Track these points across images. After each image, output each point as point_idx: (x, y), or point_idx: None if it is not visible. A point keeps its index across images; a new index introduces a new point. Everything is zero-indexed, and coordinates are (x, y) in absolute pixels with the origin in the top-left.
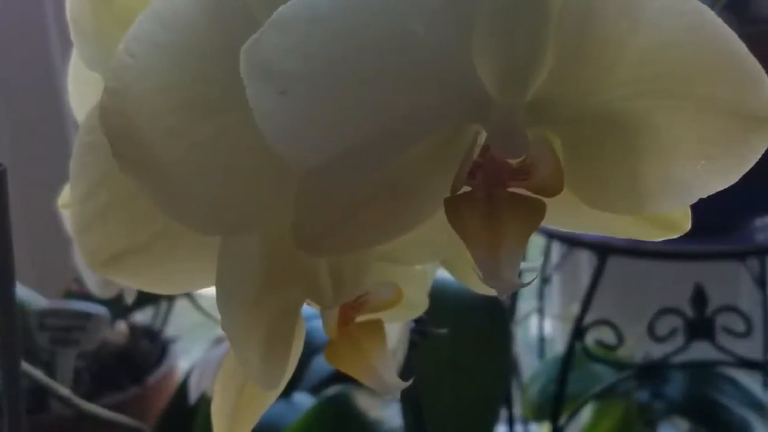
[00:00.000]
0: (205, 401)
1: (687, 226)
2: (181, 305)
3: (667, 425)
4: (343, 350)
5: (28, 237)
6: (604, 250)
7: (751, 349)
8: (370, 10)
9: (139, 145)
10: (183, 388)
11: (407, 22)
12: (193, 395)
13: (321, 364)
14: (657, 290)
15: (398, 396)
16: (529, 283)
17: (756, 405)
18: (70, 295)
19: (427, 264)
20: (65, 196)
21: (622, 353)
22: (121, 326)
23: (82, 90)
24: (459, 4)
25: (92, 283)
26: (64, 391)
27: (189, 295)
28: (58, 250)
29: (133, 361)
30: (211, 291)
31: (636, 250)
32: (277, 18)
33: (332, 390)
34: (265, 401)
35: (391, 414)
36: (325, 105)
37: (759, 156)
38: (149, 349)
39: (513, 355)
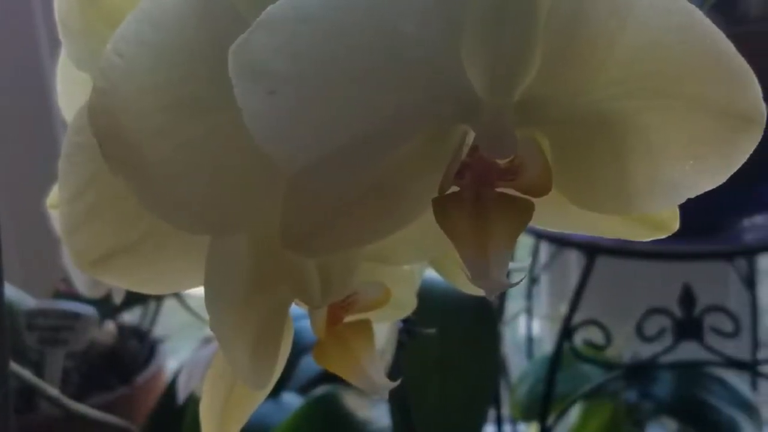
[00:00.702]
0: (193, 401)
1: (675, 226)
2: (170, 305)
3: (656, 425)
4: (331, 350)
5: (17, 237)
6: (592, 250)
7: (739, 349)
8: (359, 10)
9: (128, 144)
10: (171, 388)
11: (396, 21)
12: (182, 395)
13: (309, 364)
14: (645, 290)
15: (386, 396)
16: (517, 283)
17: (744, 405)
18: (58, 295)
19: (415, 264)
20: (54, 196)
21: (611, 353)
22: (110, 326)
23: (70, 90)
24: (448, 4)
25: (81, 283)
26: (53, 391)
27: (177, 295)
28: (46, 250)
29: (121, 361)
30: (199, 291)
31: (624, 250)
32: (266, 18)
33: (320, 390)
34: (253, 401)
35: (379, 414)
36: (313, 105)
37: (747, 156)
38: (137, 349)
39: (501, 355)
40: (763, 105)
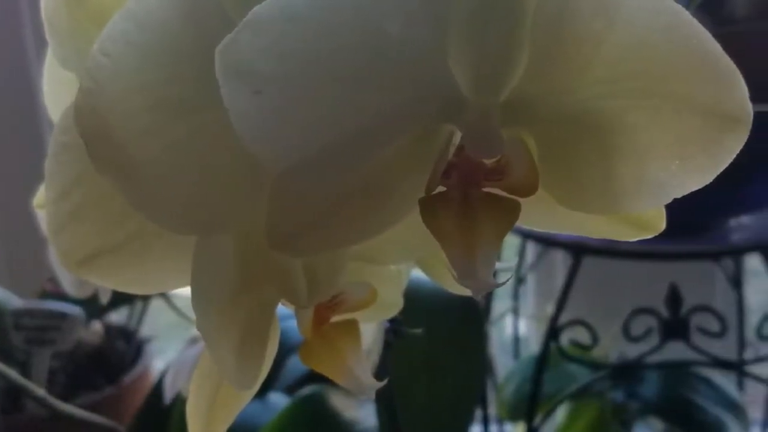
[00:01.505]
0: (180, 401)
1: (662, 226)
2: (156, 305)
3: (642, 425)
4: (317, 350)
5: (3, 237)
6: (578, 250)
7: (725, 349)
8: (346, 10)
9: (114, 144)
10: (158, 387)
11: (382, 21)
12: (168, 395)
13: (296, 364)
14: (632, 290)
15: (373, 396)
16: (504, 283)
17: (730, 405)
18: (45, 295)
19: (402, 264)
20: (40, 195)
21: (597, 353)
22: (96, 326)
23: (57, 90)
24: (434, 4)
25: (67, 283)
26: (39, 391)
27: (164, 295)
28: (33, 250)
29: (108, 361)
30: (186, 291)
31: (611, 250)
32: (252, 18)
33: (307, 390)
34: (240, 401)
35: (365, 414)
36: (299, 105)
37: (734, 156)
38: (124, 349)
39: (488, 355)
40: (750, 105)
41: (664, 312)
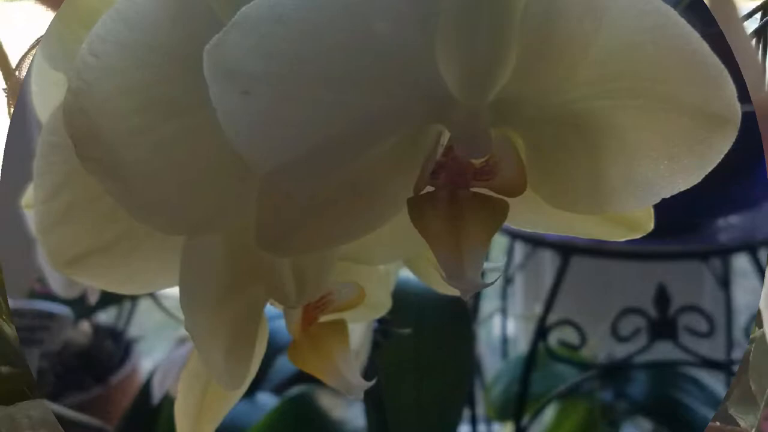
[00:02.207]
0: (168, 401)
1: (650, 226)
2: (145, 305)
3: (630, 425)
4: (306, 350)
5: None
6: (567, 250)
7: (713, 349)
8: (334, 10)
9: (103, 145)
10: (146, 387)
11: (370, 22)
12: (157, 395)
13: (284, 364)
14: (620, 290)
15: (361, 396)
16: (492, 283)
17: (718, 405)
18: (33, 295)
19: (390, 264)
20: (29, 196)
21: (585, 353)
22: (85, 326)
23: (45, 90)
24: (422, 4)
25: (56, 283)
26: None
27: (152, 295)
28: (21, 250)
29: (96, 361)
30: (174, 291)
31: (599, 250)
32: (240, 18)
33: (295, 390)
34: (228, 401)
35: (353, 414)
36: (288, 105)
37: (722, 156)
38: (112, 349)
39: (476, 355)
40: (738, 105)
41: (652, 312)
